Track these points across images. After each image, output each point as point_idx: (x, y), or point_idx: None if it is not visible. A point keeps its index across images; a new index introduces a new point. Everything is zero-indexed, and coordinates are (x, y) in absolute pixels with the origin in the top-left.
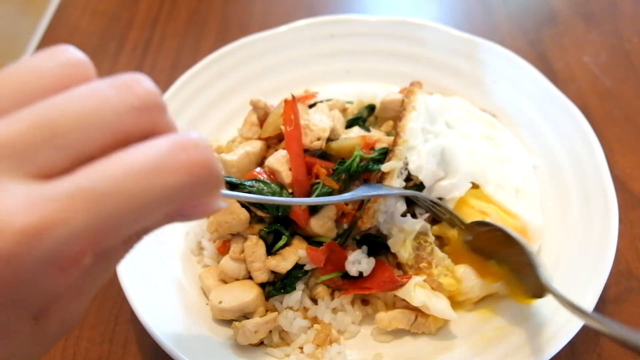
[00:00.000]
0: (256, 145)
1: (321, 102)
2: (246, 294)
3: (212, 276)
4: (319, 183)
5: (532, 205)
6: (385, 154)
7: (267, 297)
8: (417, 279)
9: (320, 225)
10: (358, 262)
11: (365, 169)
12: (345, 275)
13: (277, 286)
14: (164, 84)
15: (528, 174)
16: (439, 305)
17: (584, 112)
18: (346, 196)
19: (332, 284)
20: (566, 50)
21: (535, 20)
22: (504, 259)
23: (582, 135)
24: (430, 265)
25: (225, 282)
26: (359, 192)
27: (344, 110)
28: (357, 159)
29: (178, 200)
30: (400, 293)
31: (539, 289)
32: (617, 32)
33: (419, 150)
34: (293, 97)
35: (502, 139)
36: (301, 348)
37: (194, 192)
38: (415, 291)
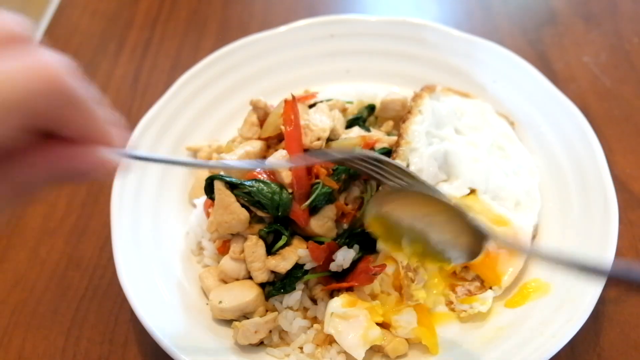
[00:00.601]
0: (256, 145)
1: (321, 102)
2: (246, 294)
3: (212, 276)
4: (318, 183)
5: (528, 217)
6: (385, 154)
7: (267, 297)
8: (337, 302)
9: (320, 225)
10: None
11: None
12: (336, 274)
13: (277, 286)
14: (164, 84)
15: (532, 189)
16: (349, 339)
17: (584, 112)
18: (298, 161)
19: (324, 283)
20: (566, 50)
21: (535, 20)
22: (421, 231)
23: (582, 135)
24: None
25: (225, 282)
26: (309, 158)
27: (344, 110)
28: None
29: (28, 109)
30: (322, 314)
31: (476, 244)
32: (617, 32)
33: (421, 153)
34: (293, 97)
35: (513, 151)
36: (301, 348)
37: (44, 105)
38: (332, 318)
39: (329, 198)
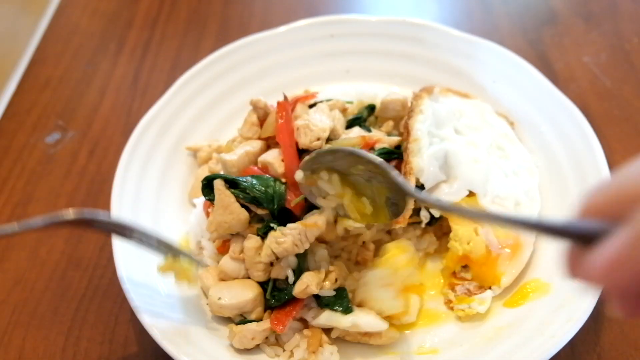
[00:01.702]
0: (256, 145)
1: (321, 102)
2: (246, 292)
3: (212, 276)
4: None
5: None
6: (385, 154)
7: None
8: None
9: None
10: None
11: None
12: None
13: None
14: (164, 84)
15: (532, 189)
16: (366, 319)
17: (584, 112)
18: None
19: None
20: (566, 50)
21: (535, 20)
22: (353, 182)
23: (582, 135)
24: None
25: (224, 281)
26: None
27: (344, 110)
28: None
29: None
30: (324, 321)
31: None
32: (617, 32)
33: (422, 153)
34: (285, 97)
35: (512, 151)
36: (291, 351)
37: None
38: (337, 315)
39: None
